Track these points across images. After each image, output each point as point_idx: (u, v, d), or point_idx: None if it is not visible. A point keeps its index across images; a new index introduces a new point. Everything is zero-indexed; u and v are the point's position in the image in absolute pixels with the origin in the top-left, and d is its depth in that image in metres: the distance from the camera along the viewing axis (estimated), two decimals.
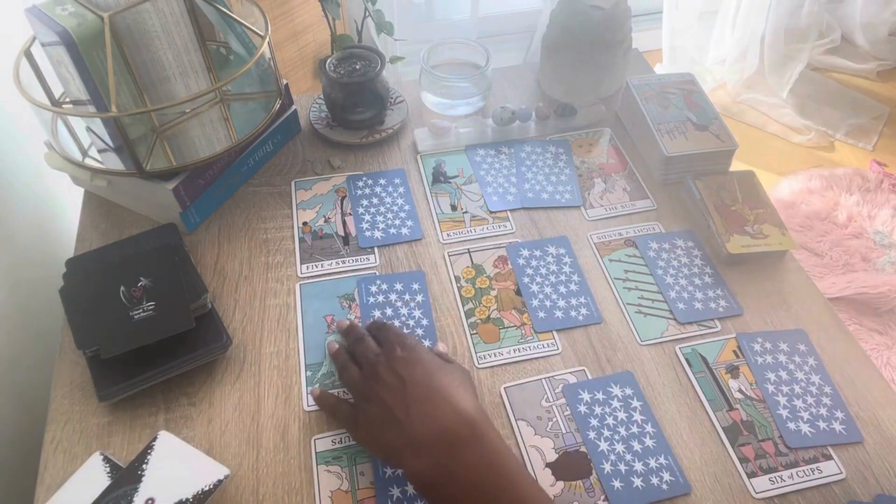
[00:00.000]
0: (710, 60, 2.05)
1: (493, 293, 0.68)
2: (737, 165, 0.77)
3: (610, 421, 0.59)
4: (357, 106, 0.81)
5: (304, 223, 0.74)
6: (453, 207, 0.77)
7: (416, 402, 0.50)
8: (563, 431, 0.58)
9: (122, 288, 0.60)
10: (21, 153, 0.79)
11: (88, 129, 0.71)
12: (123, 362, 0.58)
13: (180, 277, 0.62)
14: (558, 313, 0.66)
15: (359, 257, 0.71)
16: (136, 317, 0.59)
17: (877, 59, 2.13)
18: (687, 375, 0.62)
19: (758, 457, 0.57)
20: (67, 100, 0.69)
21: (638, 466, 0.56)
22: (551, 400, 0.60)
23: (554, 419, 0.59)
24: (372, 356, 0.55)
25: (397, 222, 0.74)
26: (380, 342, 0.57)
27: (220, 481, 0.51)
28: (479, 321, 0.66)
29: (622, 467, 0.56)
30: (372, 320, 0.62)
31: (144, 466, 0.51)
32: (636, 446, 0.57)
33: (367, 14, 0.79)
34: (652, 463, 0.56)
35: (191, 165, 0.68)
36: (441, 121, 0.83)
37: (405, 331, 0.64)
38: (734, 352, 0.64)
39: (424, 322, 0.65)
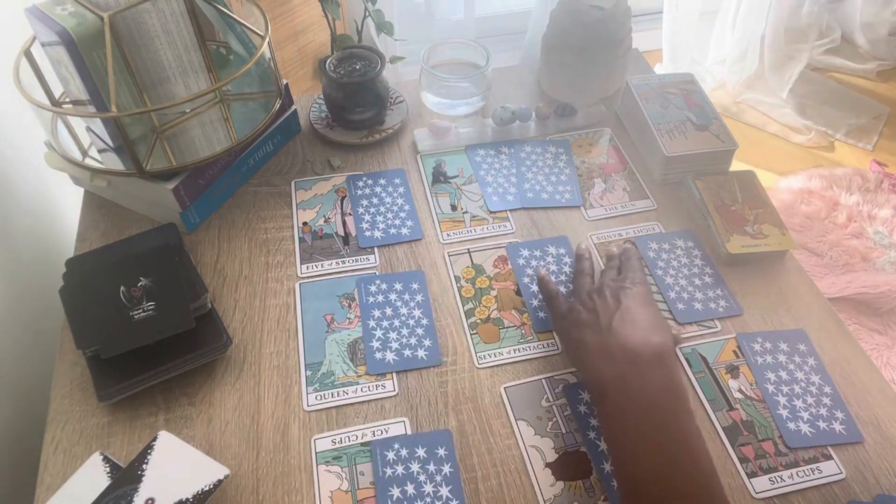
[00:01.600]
0: (710, 60, 2.05)
1: (493, 293, 0.68)
2: (737, 165, 0.77)
3: None
4: (357, 106, 0.81)
5: (304, 223, 0.74)
6: (453, 207, 0.77)
7: (619, 319, 0.56)
8: (563, 431, 0.58)
9: (122, 288, 0.60)
10: (21, 153, 0.79)
11: (88, 129, 0.71)
12: (123, 362, 0.58)
13: (180, 277, 0.62)
14: None
15: (359, 257, 0.71)
16: (136, 317, 0.59)
17: (877, 59, 2.13)
18: (687, 375, 0.62)
19: (758, 457, 0.57)
20: (67, 100, 0.69)
21: None
22: (551, 400, 0.60)
23: (554, 419, 0.59)
24: (608, 279, 0.62)
25: (397, 222, 0.74)
26: (622, 269, 0.64)
27: (219, 481, 0.51)
28: (479, 321, 0.66)
29: None
30: (625, 247, 0.69)
31: (144, 466, 0.51)
32: None
33: (367, 14, 0.79)
34: None
35: (191, 165, 0.68)
36: (441, 121, 0.83)
37: (409, 322, 0.64)
38: (734, 352, 0.64)
39: (424, 322, 0.65)
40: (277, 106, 0.76)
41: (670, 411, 0.51)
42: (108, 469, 0.52)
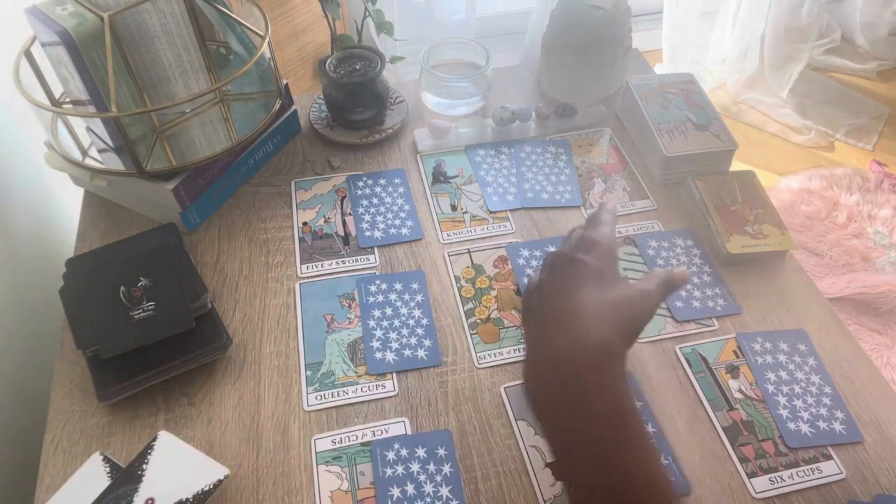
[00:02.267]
0: (710, 60, 2.05)
1: (493, 293, 0.68)
2: (737, 165, 0.77)
3: None
4: (357, 106, 0.81)
5: (304, 223, 0.74)
6: (453, 207, 0.77)
7: (553, 319, 0.43)
8: None
9: (122, 288, 0.60)
10: (21, 153, 0.79)
11: (88, 129, 0.71)
12: (123, 362, 0.58)
13: (180, 277, 0.62)
14: None
15: (359, 257, 0.71)
16: (136, 317, 0.59)
17: (877, 59, 2.13)
18: (687, 375, 0.62)
19: (758, 457, 0.57)
20: (67, 100, 0.69)
21: None
22: None
23: None
24: (553, 257, 0.47)
25: (397, 222, 0.74)
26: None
27: (219, 481, 0.51)
28: (479, 321, 0.66)
29: None
30: (601, 203, 0.54)
31: (144, 466, 0.51)
32: None
33: (367, 14, 0.79)
34: None
35: (191, 165, 0.68)
36: (441, 121, 0.83)
37: (409, 322, 0.64)
38: (734, 352, 0.64)
39: (424, 322, 0.65)
40: (277, 106, 0.76)
41: (618, 431, 0.40)
42: (108, 469, 0.52)
